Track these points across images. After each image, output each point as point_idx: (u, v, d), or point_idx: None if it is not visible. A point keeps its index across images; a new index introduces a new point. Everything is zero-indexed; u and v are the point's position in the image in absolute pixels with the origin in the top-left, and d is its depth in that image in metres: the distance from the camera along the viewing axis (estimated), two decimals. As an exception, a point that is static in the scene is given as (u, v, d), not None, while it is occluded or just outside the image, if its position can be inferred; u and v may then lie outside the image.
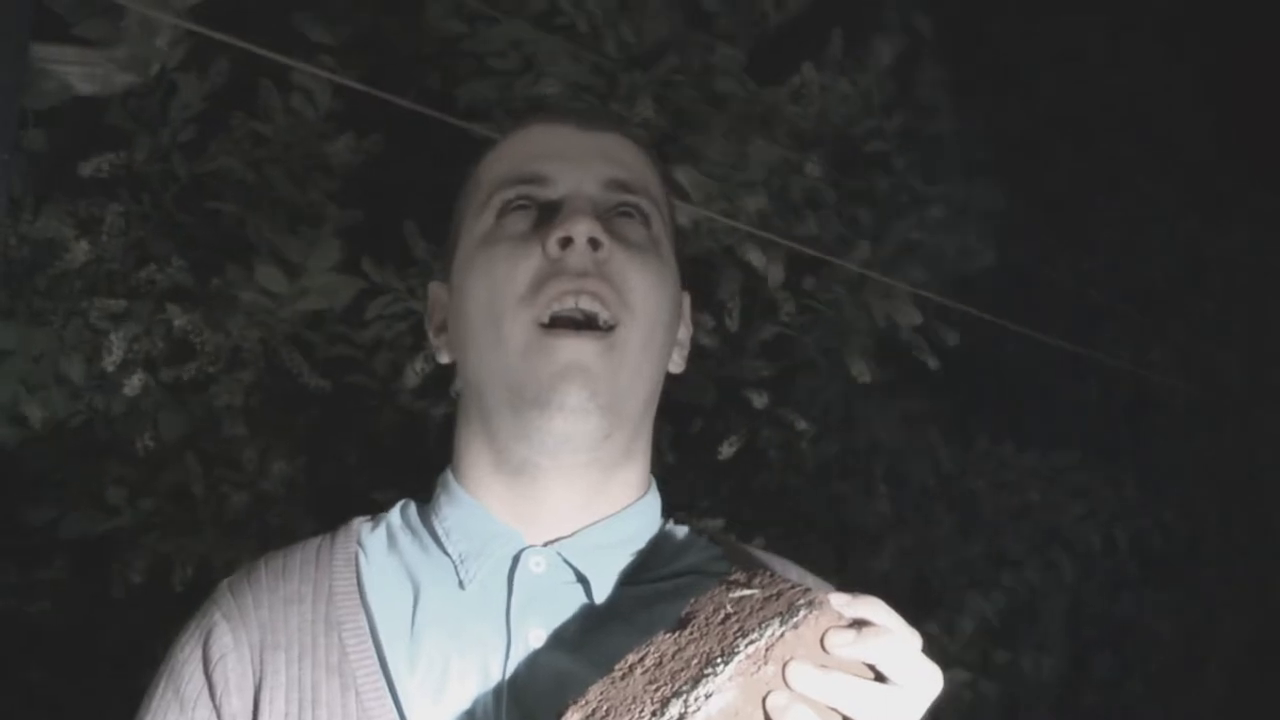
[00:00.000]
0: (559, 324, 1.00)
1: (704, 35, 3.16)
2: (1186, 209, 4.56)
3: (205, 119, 2.75)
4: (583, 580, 1.02)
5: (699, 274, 2.94)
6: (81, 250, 2.53)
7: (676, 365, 1.13)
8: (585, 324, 1.01)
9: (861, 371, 3.23)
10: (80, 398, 2.55)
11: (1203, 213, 4.60)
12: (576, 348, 0.99)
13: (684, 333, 1.14)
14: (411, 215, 2.74)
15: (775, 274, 3.14)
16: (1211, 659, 4.54)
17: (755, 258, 3.08)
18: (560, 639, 0.99)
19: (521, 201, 1.06)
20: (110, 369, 2.50)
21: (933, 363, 3.32)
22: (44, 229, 2.50)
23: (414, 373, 2.67)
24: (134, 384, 2.50)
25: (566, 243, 1.01)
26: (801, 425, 3.23)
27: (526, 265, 1.02)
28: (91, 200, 2.61)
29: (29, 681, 2.48)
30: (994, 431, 3.80)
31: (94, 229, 2.58)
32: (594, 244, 1.01)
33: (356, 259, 2.71)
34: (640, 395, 1.05)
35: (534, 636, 0.99)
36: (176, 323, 2.55)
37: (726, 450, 3.12)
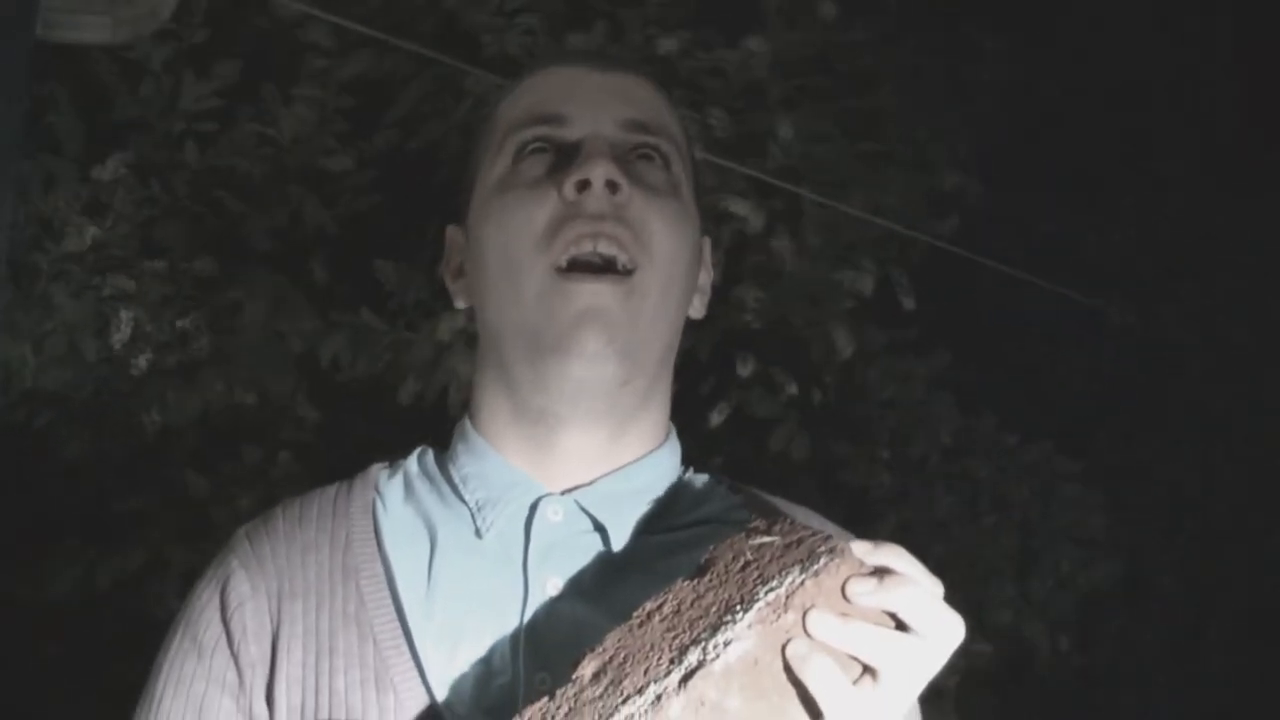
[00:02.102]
0: (577, 268, 0.98)
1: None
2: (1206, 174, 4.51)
3: (214, 114, 2.77)
4: (600, 529, 1.01)
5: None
6: (88, 234, 2.53)
7: (697, 311, 1.11)
8: (603, 268, 0.99)
9: (846, 344, 3.20)
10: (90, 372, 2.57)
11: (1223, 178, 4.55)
12: (594, 292, 0.97)
13: (705, 278, 1.12)
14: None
15: (756, 220, 3.11)
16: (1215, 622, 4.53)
17: (739, 206, 3.05)
18: (578, 588, 0.98)
19: (538, 144, 1.04)
20: (118, 346, 2.51)
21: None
22: (50, 207, 2.50)
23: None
24: (140, 363, 2.52)
25: (584, 185, 0.99)
26: (791, 389, 3.21)
27: (543, 209, 1.00)
28: (100, 186, 2.62)
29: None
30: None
31: (102, 211, 2.59)
32: (612, 187, 0.99)
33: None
34: (660, 341, 1.03)
35: (551, 585, 0.98)
36: (179, 323, 2.56)
37: (716, 418, 3.11)
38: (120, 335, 2.56)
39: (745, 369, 3.15)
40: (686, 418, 1.09)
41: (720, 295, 3.01)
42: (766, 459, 3.21)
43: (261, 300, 2.72)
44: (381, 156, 3.02)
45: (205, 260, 2.72)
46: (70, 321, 2.53)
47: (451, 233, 1.14)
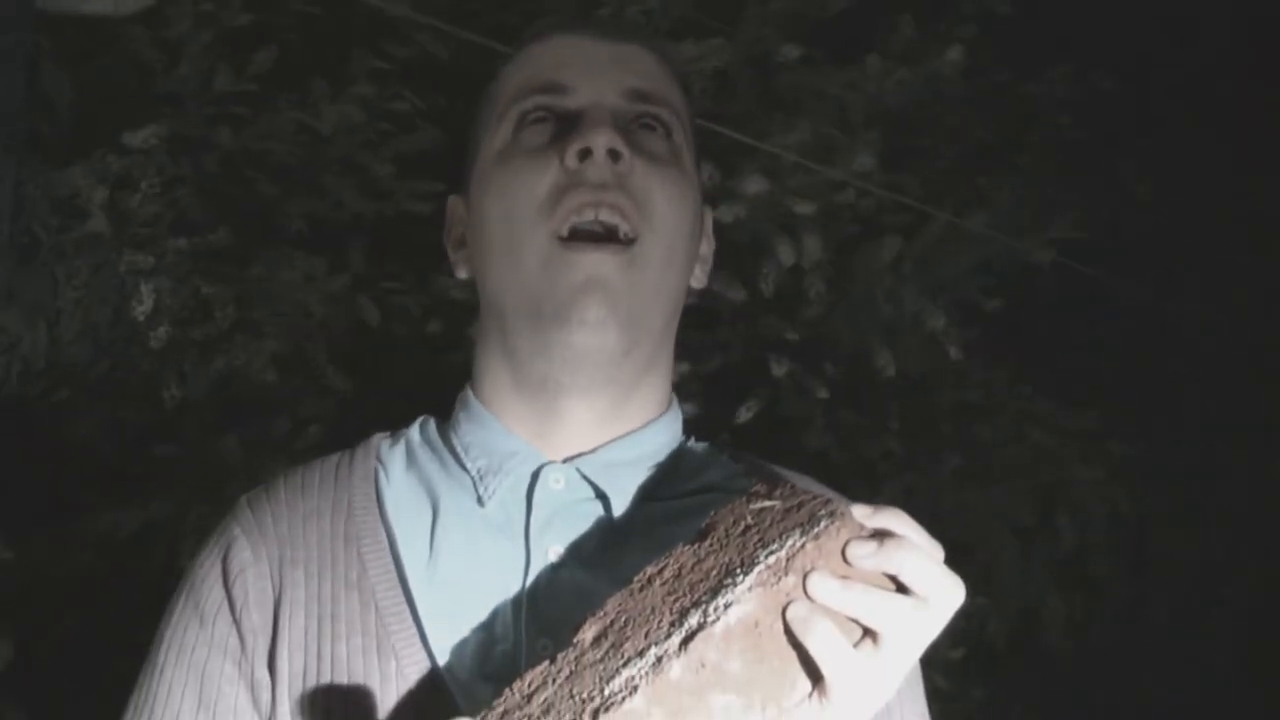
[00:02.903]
0: (578, 237, 0.98)
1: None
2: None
3: (250, 99, 2.76)
4: (602, 497, 1.02)
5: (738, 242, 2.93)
6: (102, 213, 2.53)
7: (699, 280, 1.11)
8: (605, 237, 0.99)
9: (887, 364, 3.20)
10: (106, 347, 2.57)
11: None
12: (596, 261, 0.97)
13: (706, 248, 1.12)
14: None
15: (813, 249, 3.10)
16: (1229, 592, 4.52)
17: (784, 254, 3.05)
18: (579, 556, 0.99)
19: (539, 113, 1.03)
20: (141, 319, 2.51)
21: (955, 353, 3.29)
22: (65, 181, 2.50)
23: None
24: (161, 335, 2.52)
25: (585, 154, 0.99)
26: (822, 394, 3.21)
27: (545, 178, 1.00)
28: (130, 156, 2.61)
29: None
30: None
31: (130, 184, 2.59)
32: (614, 155, 0.99)
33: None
34: (661, 311, 1.03)
35: (553, 553, 0.99)
36: (204, 290, 2.56)
37: (744, 414, 3.11)
38: (143, 308, 2.56)
39: (780, 369, 3.15)
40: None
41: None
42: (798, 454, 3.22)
43: (290, 275, 2.72)
44: (426, 153, 3.00)
45: (232, 236, 2.71)
46: (90, 295, 2.54)
47: (453, 203, 1.14)
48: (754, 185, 2.92)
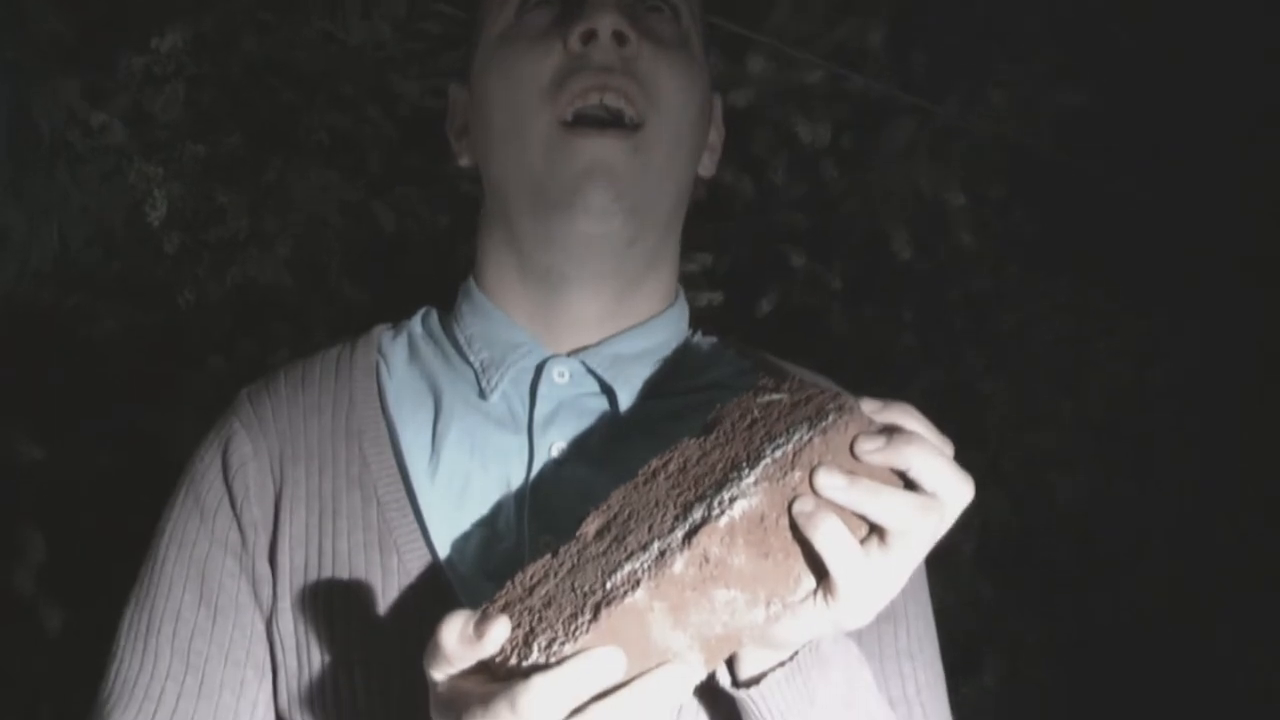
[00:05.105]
0: (582, 122, 0.95)
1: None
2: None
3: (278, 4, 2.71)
4: (607, 391, 1.00)
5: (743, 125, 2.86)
6: (113, 125, 2.50)
7: (707, 169, 1.08)
8: (610, 122, 0.96)
9: (902, 247, 3.14)
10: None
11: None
12: (600, 146, 0.94)
13: (715, 136, 1.09)
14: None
15: (821, 134, 3.04)
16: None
17: (804, 131, 2.98)
18: (583, 450, 0.97)
19: None
20: (155, 224, 2.49)
21: (968, 238, 3.23)
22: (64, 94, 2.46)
23: None
24: (174, 240, 2.51)
25: (590, 37, 0.96)
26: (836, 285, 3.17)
27: (548, 62, 0.97)
28: (156, 59, 2.58)
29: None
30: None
31: (155, 85, 2.55)
32: (619, 38, 0.96)
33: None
34: (668, 199, 1.00)
35: (556, 448, 0.97)
36: (220, 199, 2.54)
37: (765, 306, 3.07)
38: (157, 213, 2.54)
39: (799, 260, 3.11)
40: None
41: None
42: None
43: (307, 183, 2.69)
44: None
45: (249, 142, 2.68)
46: (102, 200, 2.52)
47: (455, 91, 1.11)
48: (758, 65, 2.86)
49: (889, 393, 0.81)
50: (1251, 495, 4.19)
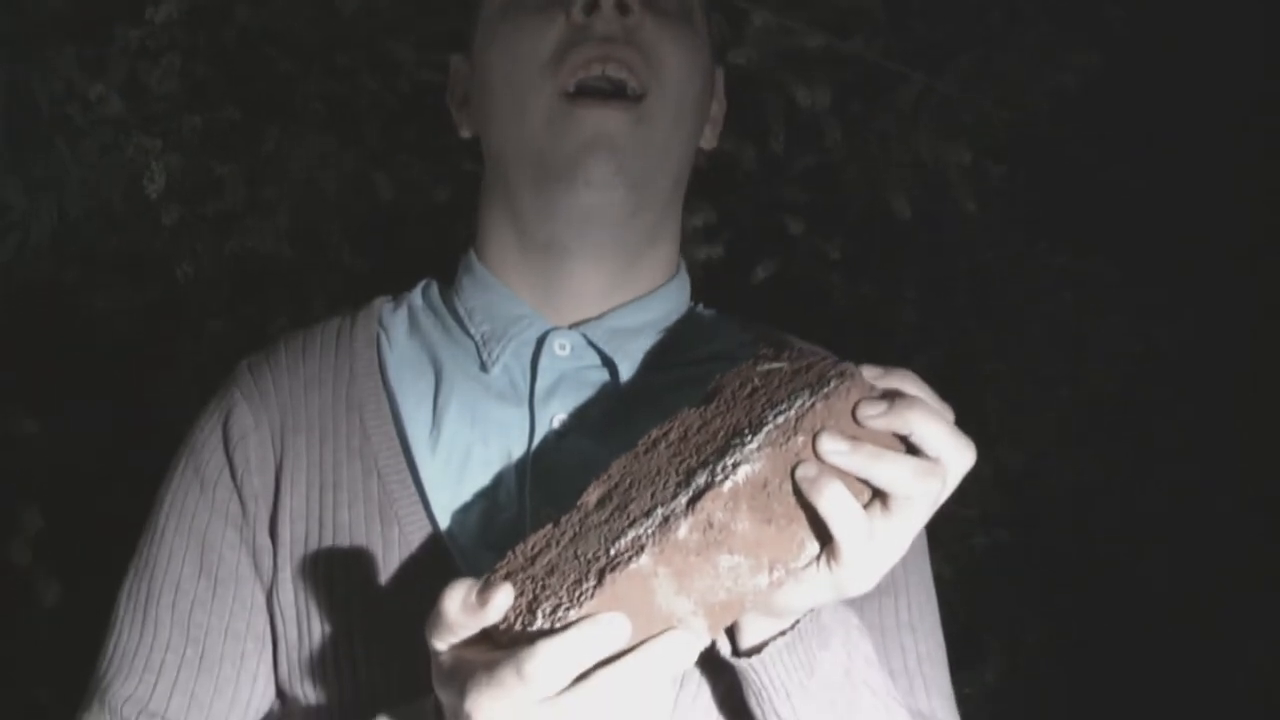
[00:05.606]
0: (585, 93, 0.95)
1: None
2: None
3: None
4: (608, 363, 0.99)
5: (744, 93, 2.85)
6: (110, 97, 2.49)
7: (709, 141, 1.08)
8: (612, 93, 0.95)
9: (903, 208, 3.13)
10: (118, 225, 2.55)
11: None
12: (603, 117, 0.94)
13: (717, 108, 1.09)
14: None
15: (821, 97, 3.03)
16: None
17: (802, 95, 2.97)
18: (584, 423, 0.97)
19: None
20: (153, 197, 2.48)
21: (971, 205, 3.23)
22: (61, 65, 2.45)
23: None
24: (173, 213, 2.50)
25: (592, 7, 0.95)
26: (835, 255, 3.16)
27: (550, 33, 0.97)
28: (144, 29, 2.56)
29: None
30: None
31: (146, 58, 2.54)
32: (622, 8, 0.95)
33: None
34: (670, 171, 1.00)
35: (557, 420, 0.97)
36: (219, 170, 2.53)
37: (760, 273, 3.07)
38: (155, 186, 2.53)
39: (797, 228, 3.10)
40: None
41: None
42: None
43: (305, 153, 2.68)
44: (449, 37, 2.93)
45: (246, 113, 2.67)
46: (100, 173, 2.51)
47: (456, 62, 1.10)
48: (759, 19, 2.84)
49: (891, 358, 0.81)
50: (1252, 495, 4.20)
